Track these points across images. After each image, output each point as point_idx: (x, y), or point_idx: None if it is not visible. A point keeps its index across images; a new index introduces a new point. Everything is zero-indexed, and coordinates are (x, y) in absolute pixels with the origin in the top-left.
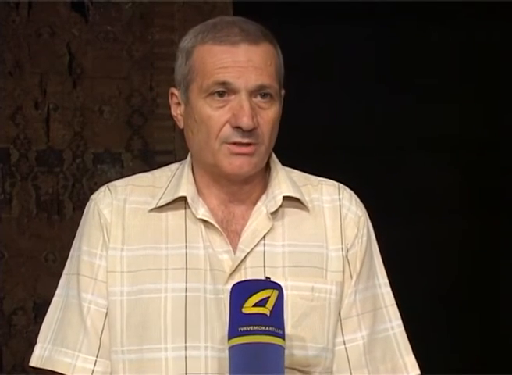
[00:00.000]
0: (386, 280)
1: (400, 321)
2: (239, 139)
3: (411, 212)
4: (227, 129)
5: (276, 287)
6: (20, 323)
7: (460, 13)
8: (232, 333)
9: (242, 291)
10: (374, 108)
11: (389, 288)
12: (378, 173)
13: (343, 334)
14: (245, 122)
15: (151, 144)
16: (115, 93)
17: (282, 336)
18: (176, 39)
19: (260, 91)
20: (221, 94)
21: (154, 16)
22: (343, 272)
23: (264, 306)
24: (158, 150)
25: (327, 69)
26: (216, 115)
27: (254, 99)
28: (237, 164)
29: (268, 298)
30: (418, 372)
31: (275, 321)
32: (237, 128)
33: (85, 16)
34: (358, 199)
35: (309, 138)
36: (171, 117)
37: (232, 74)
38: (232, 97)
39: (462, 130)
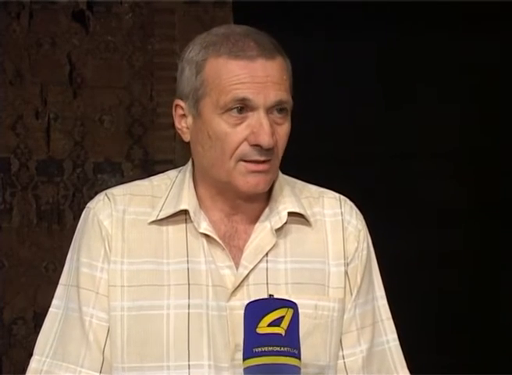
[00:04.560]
0: (383, 293)
1: (395, 335)
2: (257, 157)
3: (410, 221)
4: (244, 147)
5: (291, 305)
6: (20, 332)
7: (460, 19)
8: (247, 354)
9: (256, 311)
10: (372, 115)
11: (385, 301)
12: (377, 181)
13: (342, 349)
14: (266, 140)
15: (151, 153)
16: (115, 102)
17: (298, 356)
18: (176, 49)
19: (277, 107)
20: (239, 110)
21: (155, 25)
22: (344, 287)
23: (279, 326)
24: (159, 159)
25: (325, 73)
26: (233, 132)
27: (270, 115)
28: (253, 183)
29: (283, 317)
30: None
31: (290, 341)
32: (256, 146)
33: (85, 26)
34: (358, 211)
35: (307, 147)
36: (172, 127)
37: (252, 90)
38: (250, 113)
39: (463, 139)
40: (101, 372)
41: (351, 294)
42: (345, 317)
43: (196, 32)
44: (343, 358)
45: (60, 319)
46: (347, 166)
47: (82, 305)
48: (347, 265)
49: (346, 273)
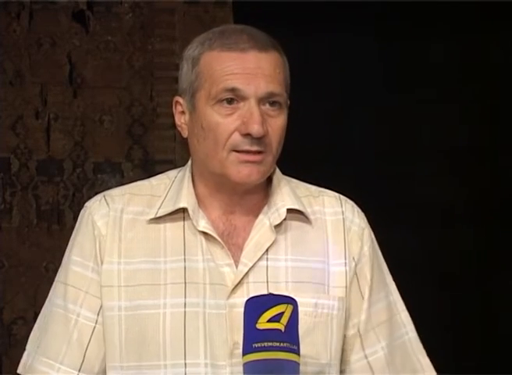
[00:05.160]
0: (395, 286)
1: (412, 325)
2: (248, 147)
3: (410, 221)
4: (236, 137)
5: (291, 301)
6: (20, 332)
7: (461, 21)
8: (247, 349)
9: (256, 306)
10: (373, 115)
11: (398, 294)
12: (377, 181)
13: (363, 349)
14: (255, 129)
15: (151, 153)
16: (115, 103)
17: (297, 352)
18: (176, 49)
19: (269, 99)
20: (229, 101)
21: (155, 26)
22: (346, 287)
23: (278, 322)
24: (159, 159)
25: (327, 73)
26: (225, 122)
27: (262, 107)
28: (245, 173)
29: (283, 313)
30: (435, 373)
31: (289, 337)
32: (247, 135)
33: (86, 26)
34: (360, 210)
35: (308, 146)
36: (172, 127)
37: (242, 81)
38: (241, 104)
39: (463, 138)
40: (80, 370)
41: (362, 294)
42: (362, 318)
43: (196, 32)
44: (366, 357)
45: (46, 314)
46: (347, 165)
47: (68, 303)
48: (355, 265)
49: (354, 273)
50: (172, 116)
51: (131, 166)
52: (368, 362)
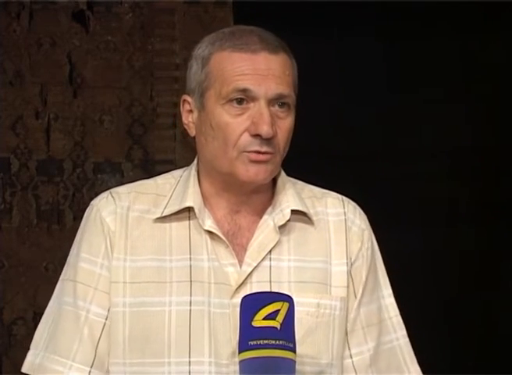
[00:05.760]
0: (390, 291)
1: (404, 331)
2: (257, 148)
3: (410, 221)
4: (246, 137)
5: (287, 299)
6: (20, 332)
7: (463, 22)
8: (243, 347)
9: (252, 304)
10: (378, 116)
11: (392, 299)
12: (382, 181)
13: (349, 348)
14: (265, 130)
15: (151, 153)
16: (115, 103)
17: (293, 349)
18: (176, 49)
19: (278, 100)
20: (239, 101)
21: (155, 26)
22: (347, 287)
23: (274, 319)
24: (159, 159)
25: (329, 74)
26: (235, 122)
27: (271, 108)
28: (253, 172)
29: (279, 310)
30: None
31: (285, 334)
32: (256, 136)
33: (86, 26)
34: (362, 212)
35: (311, 147)
36: (172, 126)
37: (253, 82)
38: (251, 105)
39: (464, 138)
40: (92, 366)
41: (355, 294)
42: (351, 316)
43: (196, 32)
44: (351, 357)
45: (54, 312)
46: (350, 164)
47: (78, 300)
48: (351, 265)
49: (349, 272)
50: (172, 116)
51: (131, 166)
52: (352, 362)
